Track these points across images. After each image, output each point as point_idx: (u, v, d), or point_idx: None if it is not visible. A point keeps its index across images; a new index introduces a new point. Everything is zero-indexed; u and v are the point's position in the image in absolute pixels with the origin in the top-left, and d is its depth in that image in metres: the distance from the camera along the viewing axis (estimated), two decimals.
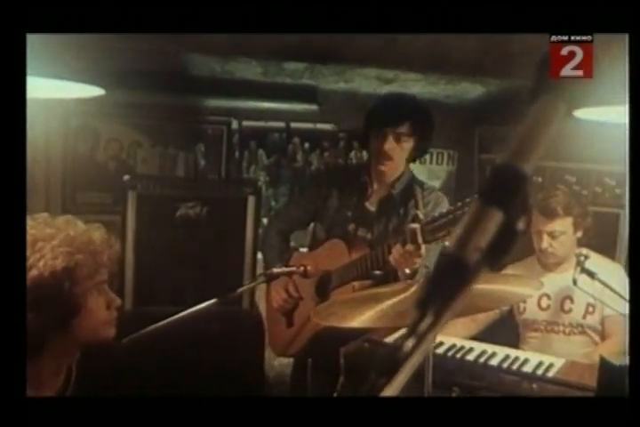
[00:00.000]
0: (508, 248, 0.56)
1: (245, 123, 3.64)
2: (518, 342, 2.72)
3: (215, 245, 3.18)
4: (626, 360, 1.49)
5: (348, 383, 2.17)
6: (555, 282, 2.62)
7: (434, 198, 2.45)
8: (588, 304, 2.59)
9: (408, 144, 2.39)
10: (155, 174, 3.40)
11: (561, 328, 2.64)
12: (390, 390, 0.52)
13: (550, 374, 1.97)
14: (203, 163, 3.57)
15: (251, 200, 3.22)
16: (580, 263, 2.40)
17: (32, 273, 1.31)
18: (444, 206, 2.42)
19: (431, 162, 3.97)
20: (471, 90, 3.75)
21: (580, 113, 2.48)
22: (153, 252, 3.10)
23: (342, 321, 1.50)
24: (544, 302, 2.66)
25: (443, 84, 3.67)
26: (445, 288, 0.53)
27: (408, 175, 2.53)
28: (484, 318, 2.69)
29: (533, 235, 2.64)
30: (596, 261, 2.50)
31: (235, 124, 3.62)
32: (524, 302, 2.69)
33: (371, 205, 2.52)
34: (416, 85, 3.67)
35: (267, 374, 3.26)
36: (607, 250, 2.95)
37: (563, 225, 2.58)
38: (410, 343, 0.53)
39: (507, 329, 2.77)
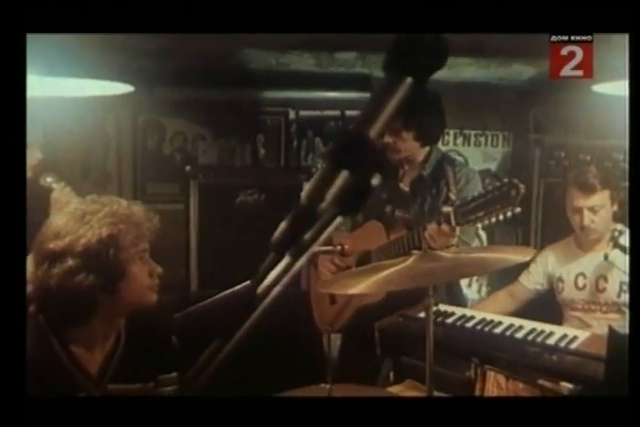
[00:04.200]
0: (359, 199, 0.68)
1: (302, 113, 3.80)
2: (562, 321, 2.76)
3: (273, 229, 3.37)
4: None
5: (384, 355, 2.31)
6: (590, 261, 2.65)
7: (464, 175, 2.51)
8: (622, 283, 2.59)
9: (408, 134, 2.48)
10: (215, 164, 3.62)
11: (598, 307, 2.66)
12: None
13: (573, 346, 2.03)
14: (262, 152, 3.76)
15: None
16: (613, 238, 2.43)
17: (82, 241, 1.51)
18: (476, 182, 2.51)
19: (486, 144, 4.01)
20: (523, 71, 3.76)
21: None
22: (215, 237, 3.33)
23: (342, 289, 1.68)
24: (580, 282, 2.69)
25: (494, 66, 3.70)
26: (300, 232, 0.67)
27: (436, 155, 2.60)
28: (521, 295, 2.76)
29: (573, 214, 2.64)
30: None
31: (292, 115, 3.79)
32: (562, 281, 2.73)
33: (405, 186, 2.63)
34: (468, 69, 3.72)
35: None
36: None
37: (601, 199, 2.59)
38: (265, 284, 0.67)
39: (549, 308, 2.81)
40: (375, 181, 0.67)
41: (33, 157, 2.53)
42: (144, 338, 1.70)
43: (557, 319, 2.74)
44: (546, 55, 3.32)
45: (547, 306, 2.84)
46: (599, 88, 2.77)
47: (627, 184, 2.98)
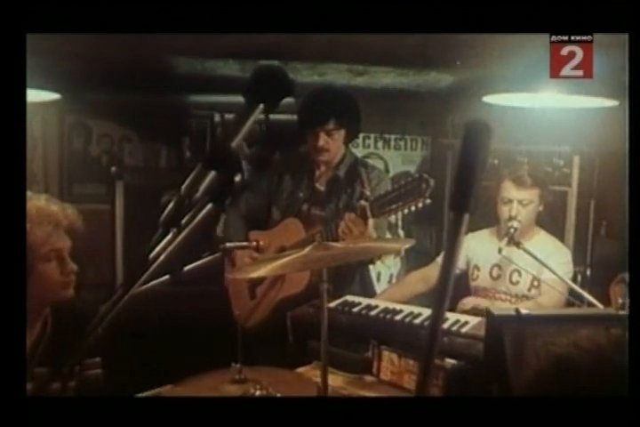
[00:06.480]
0: (224, 192, 0.86)
1: (227, 116, 3.92)
2: None
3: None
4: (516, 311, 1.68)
5: (295, 342, 2.45)
6: (508, 254, 2.78)
7: (376, 176, 2.73)
8: (534, 278, 2.77)
9: (339, 134, 2.69)
10: (141, 166, 3.72)
11: (508, 297, 2.83)
12: None
13: (463, 329, 2.20)
14: (188, 154, 3.87)
15: None
16: (508, 234, 2.62)
17: None
18: (386, 182, 2.69)
19: (406, 148, 4.21)
20: (441, 79, 3.95)
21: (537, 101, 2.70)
22: (140, 236, 3.41)
23: (243, 274, 1.95)
24: (495, 272, 2.87)
25: (412, 74, 3.88)
26: (181, 214, 0.84)
27: (350, 157, 2.81)
28: (433, 280, 2.92)
29: (502, 205, 2.80)
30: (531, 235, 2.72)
31: (217, 118, 3.90)
32: (478, 269, 2.91)
33: (320, 186, 2.81)
34: (387, 77, 3.90)
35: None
36: (557, 224, 3.18)
37: (532, 195, 2.76)
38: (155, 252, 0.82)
39: (460, 293, 2.98)
40: (237, 178, 0.86)
41: None
42: (69, 326, 1.75)
43: None
44: (463, 66, 3.52)
45: (458, 291, 2.99)
46: (493, 100, 2.99)
47: (560, 188, 3.22)
